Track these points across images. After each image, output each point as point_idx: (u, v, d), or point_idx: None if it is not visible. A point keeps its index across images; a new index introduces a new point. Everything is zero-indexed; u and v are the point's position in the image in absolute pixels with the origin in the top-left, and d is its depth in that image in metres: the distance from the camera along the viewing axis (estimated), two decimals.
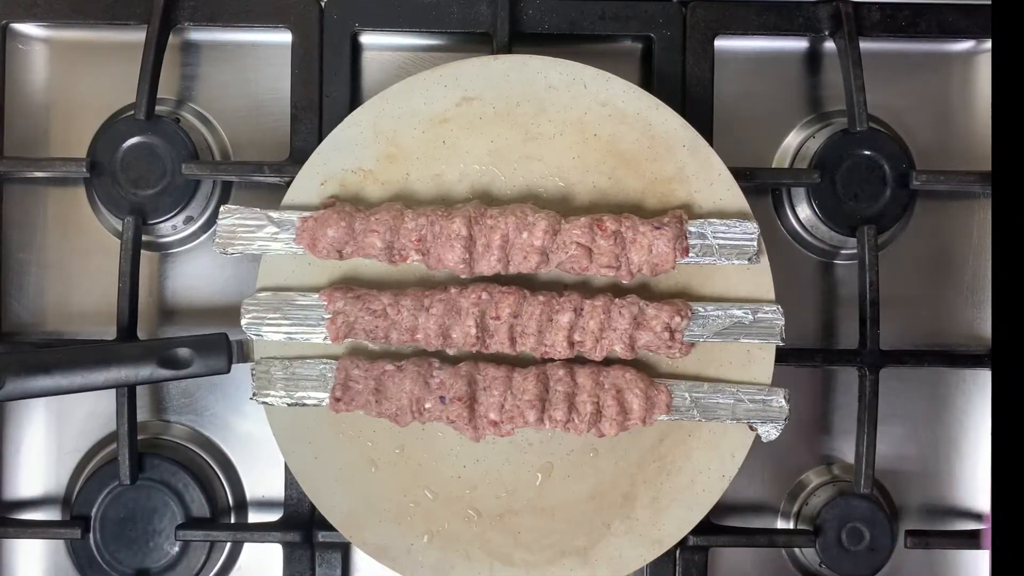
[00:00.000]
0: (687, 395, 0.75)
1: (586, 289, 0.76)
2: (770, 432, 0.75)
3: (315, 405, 0.75)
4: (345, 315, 0.74)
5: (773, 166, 0.86)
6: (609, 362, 0.75)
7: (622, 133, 0.76)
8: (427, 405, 0.73)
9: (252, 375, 0.75)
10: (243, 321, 0.74)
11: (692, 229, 0.74)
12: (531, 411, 0.73)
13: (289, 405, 0.75)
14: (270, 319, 0.75)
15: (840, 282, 0.86)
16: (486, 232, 0.73)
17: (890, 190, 0.82)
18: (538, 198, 0.76)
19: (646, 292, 0.76)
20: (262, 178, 0.81)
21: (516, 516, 0.76)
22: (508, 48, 0.81)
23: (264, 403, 0.75)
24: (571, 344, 0.74)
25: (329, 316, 0.74)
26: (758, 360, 0.76)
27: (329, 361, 0.75)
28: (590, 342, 0.74)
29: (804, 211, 0.84)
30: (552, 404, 0.73)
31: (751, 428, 0.75)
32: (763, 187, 0.85)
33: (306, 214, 0.74)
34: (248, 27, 0.84)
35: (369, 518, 0.75)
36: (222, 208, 0.75)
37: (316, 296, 0.74)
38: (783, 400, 0.74)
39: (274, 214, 0.75)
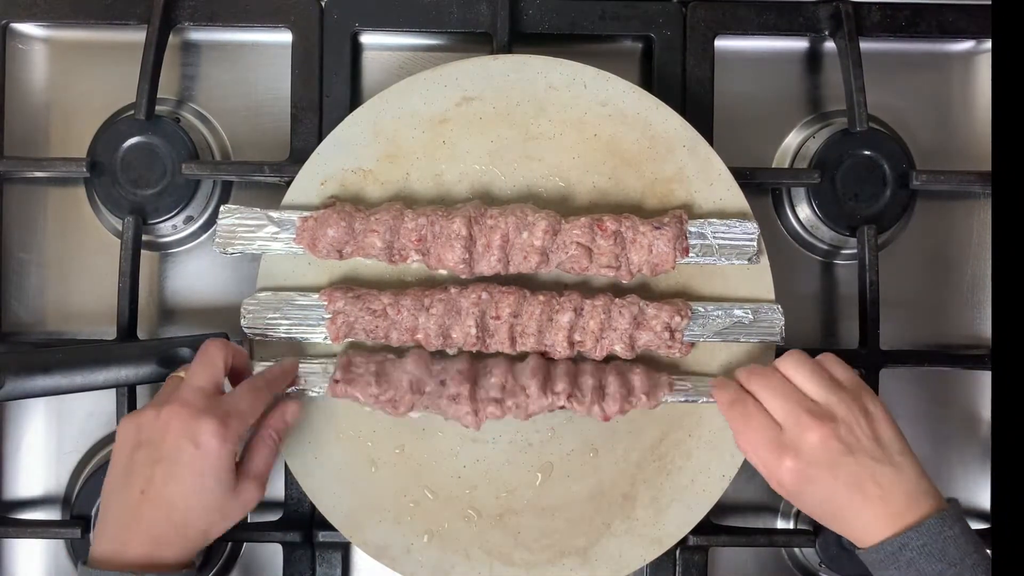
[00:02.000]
0: (689, 384, 0.75)
1: (586, 289, 0.76)
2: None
3: (316, 395, 0.75)
4: (345, 315, 0.74)
5: (773, 166, 0.86)
6: (609, 361, 0.75)
7: (622, 133, 0.76)
8: (427, 388, 0.73)
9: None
10: (243, 321, 0.74)
11: (692, 229, 0.74)
12: (532, 381, 0.72)
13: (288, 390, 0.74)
14: (270, 319, 0.75)
15: (840, 282, 0.86)
16: (486, 232, 0.73)
17: (890, 190, 0.82)
18: (538, 198, 0.76)
19: (646, 292, 0.76)
20: (262, 178, 0.81)
21: (516, 516, 0.76)
22: (508, 48, 0.81)
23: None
24: (571, 344, 0.74)
25: (329, 316, 0.74)
26: (758, 360, 0.76)
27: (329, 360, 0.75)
28: (590, 342, 0.74)
29: (804, 211, 0.84)
30: (554, 379, 0.73)
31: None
32: (763, 187, 0.85)
33: (306, 214, 0.74)
34: (248, 27, 0.84)
35: (369, 518, 0.75)
36: (222, 208, 0.75)
37: (316, 296, 0.74)
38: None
39: (274, 214, 0.75)
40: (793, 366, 0.69)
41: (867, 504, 0.64)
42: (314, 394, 0.74)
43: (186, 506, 0.65)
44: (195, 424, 0.65)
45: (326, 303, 0.74)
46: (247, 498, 0.68)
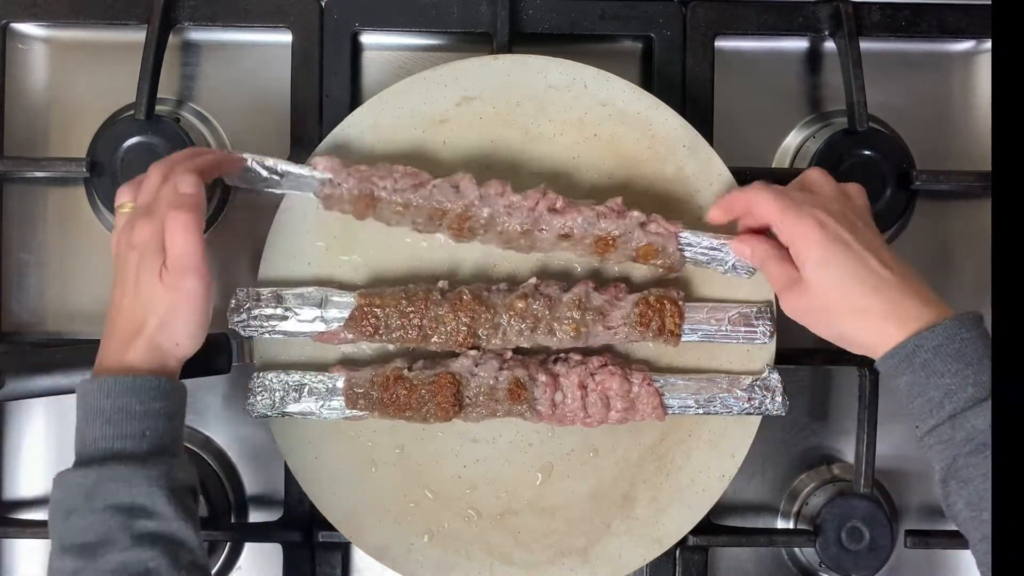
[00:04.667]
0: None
1: (598, 279, 0.76)
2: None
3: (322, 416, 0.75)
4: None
5: (773, 166, 0.86)
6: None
7: (622, 133, 0.76)
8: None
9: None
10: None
11: (688, 237, 0.74)
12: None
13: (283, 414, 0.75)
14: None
15: None
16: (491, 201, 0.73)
17: (890, 190, 0.82)
18: None
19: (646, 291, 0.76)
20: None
21: (516, 516, 0.76)
22: (508, 48, 0.81)
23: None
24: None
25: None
26: (758, 360, 0.76)
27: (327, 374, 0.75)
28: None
29: None
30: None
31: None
32: None
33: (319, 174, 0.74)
34: (248, 27, 0.84)
35: (369, 518, 0.75)
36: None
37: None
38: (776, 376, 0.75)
39: (274, 162, 0.74)
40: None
41: (883, 285, 0.65)
42: (320, 415, 0.74)
43: (133, 304, 0.66)
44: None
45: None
46: (180, 285, 0.65)
